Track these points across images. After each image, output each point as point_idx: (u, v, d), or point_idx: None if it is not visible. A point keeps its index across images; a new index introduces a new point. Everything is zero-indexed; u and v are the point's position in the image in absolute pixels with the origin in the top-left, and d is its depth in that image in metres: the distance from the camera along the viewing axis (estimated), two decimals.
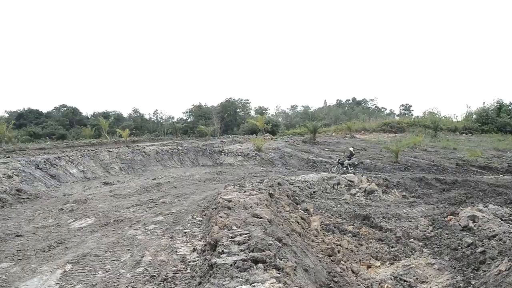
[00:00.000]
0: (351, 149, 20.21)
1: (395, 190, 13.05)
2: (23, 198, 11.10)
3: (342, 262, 6.55)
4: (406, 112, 62.22)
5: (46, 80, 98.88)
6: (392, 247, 7.77)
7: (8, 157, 19.63)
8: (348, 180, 12.80)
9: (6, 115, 48.89)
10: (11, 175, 12.68)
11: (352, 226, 8.99)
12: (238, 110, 57.35)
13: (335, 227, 8.72)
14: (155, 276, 4.62)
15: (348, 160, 18.75)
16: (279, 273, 3.61)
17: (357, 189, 12.32)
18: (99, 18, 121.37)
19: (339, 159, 19.18)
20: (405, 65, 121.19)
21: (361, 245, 7.82)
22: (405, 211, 10.71)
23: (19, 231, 7.30)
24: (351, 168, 18.41)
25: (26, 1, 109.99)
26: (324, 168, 18.13)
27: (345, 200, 11.47)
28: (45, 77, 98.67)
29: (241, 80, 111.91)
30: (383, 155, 21.47)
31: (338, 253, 6.97)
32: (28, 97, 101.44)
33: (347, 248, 7.43)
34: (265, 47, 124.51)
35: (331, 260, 6.50)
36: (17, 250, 6.04)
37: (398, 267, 6.90)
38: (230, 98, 56.82)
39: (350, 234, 8.43)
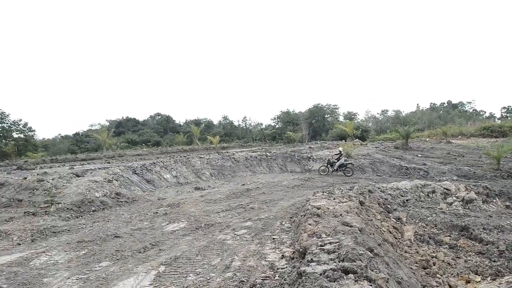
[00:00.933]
0: (340, 149, 19.11)
1: (497, 199, 11.68)
2: (121, 201, 12.04)
3: (438, 275, 6.05)
4: (508, 115, 55.23)
5: (142, 90, 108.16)
6: (494, 261, 6.96)
7: (109, 162, 21.71)
8: (444, 188, 11.80)
9: (107, 123, 53.53)
10: (111, 179, 13.82)
11: (448, 237, 8.26)
12: (326, 116, 56.31)
13: (430, 238, 8.08)
14: (244, 281, 4.61)
15: (336, 161, 17.78)
16: (371, 285, 3.42)
17: (454, 198, 11.29)
18: (192, 32, 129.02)
19: (328, 160, 18.40)
20: (507, 64, 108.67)
21: (459, 258, 7.14)
22: (508, 222, 9.50)
23: (117, 232, 7.89)
24: (341, 169, 17.50)
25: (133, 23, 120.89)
26: (418, 175, 16.95)
27: (440, 209, 10.59)
28: (141, 88, 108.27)
29: (329, 85, 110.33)
30: (482, 162, 19.37)
31: (434, 265, 6.46)
32: (126, 106, 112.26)
33: (443, 261, 6.85)
34: (354, 51, 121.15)
35: (426, 273, 6.05)
36: (115, 250, 6.50)
37: (501, 283, 6.14)
38: (318, 104, 56.28)
39: (446, 245, 7.74)
